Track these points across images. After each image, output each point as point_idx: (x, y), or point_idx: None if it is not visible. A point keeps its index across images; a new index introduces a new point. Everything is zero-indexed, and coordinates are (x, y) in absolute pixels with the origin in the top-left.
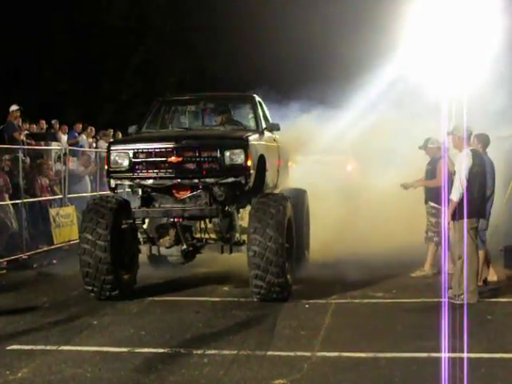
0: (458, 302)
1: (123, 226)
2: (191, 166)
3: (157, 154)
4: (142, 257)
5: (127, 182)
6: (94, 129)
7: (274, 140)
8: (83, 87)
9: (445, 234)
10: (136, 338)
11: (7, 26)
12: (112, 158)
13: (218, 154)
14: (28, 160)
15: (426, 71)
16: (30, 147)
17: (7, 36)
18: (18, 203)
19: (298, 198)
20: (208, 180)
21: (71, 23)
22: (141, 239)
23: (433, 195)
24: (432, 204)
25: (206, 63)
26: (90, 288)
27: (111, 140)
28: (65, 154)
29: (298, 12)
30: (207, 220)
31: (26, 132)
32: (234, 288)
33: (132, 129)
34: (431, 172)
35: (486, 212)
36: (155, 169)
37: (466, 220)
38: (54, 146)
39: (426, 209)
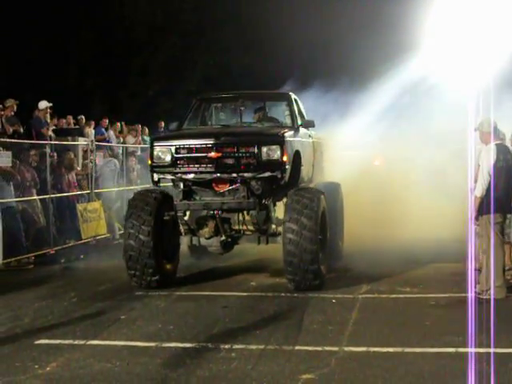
0: (485, 297)
1: (165, 218)
2: (230, 161)
3: (197, 150)
4: (183, 249)
5: (169, 176)
6: (122, 124)
7: (309, 136)
8: (109, 84)
9: (471, 229)
10: (164, 333)
11: (33, 22)
12: (155, 153)
13: (256, 150)
14: (55, 155)
15: (449, 67)
16: (57, 142)
17: (33, 33)
18: (45, 198)
19: (333, 191)
20: (246, 174)
21: (96, 19)
22: (182, 230)
23: None
24: None
25: (233, 58)
26: (133, 272)
27: (155, 136)
28: (91, 150)
29: (323, 8)
30: (245, 212)
31: (54, 127)
32: (261, 282)
33: (173, 125)
34: None
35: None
36: (196, 164)
37: (492, 216)
38: (81, 141)
39: None
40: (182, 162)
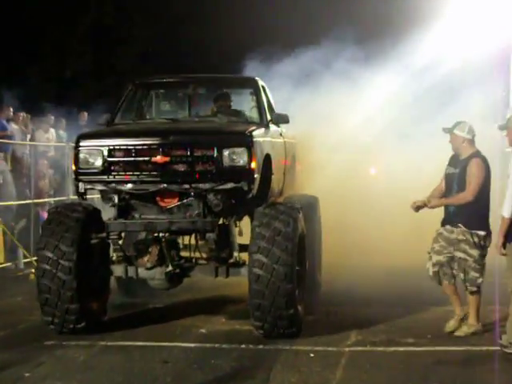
0: None
1: (93, 242)
2: (181, 167)
3: (138, 153)
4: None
5: (100, 187)
6: (28, 116)
7: (281, 135)
8: (13, 60)
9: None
10: None
11: None
12: (82, 156)
13: (215, 154)
14: None
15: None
16: None
17: None
18: None
19: (309, 207)
20: (201, 185)
21: None
22: (114, 258)
23: (470, 216)
24: (472, 231)
25: (181, 30)
26: (50, 319)
27: (81, 133)
28: None
29: None
30: (198, 235)
31: None
32: (214, 329)
33: (103, 119)
34: (459, 178)
35: None
36: (135, 170)
37: None
38: None
39: (449, 236)
40: (116, 167)
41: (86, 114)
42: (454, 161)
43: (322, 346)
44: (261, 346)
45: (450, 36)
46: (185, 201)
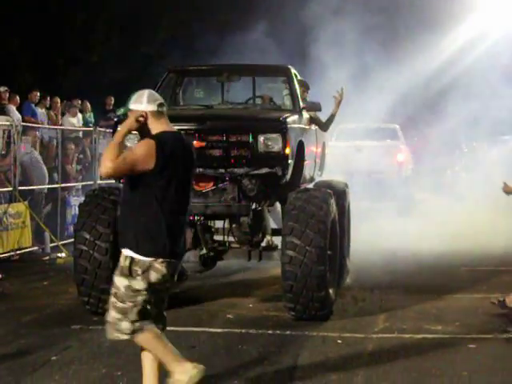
0: None
1: None
2: (216, 152)
3: None
4: None
5: None
6: (58, 100)
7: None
8: (40, 45)
9: None
10: (109, 381)
11: None
12: None
13: (250, 139)
14: None
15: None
16: None
17: None
18: None
19: (339, 193)
20: (237, 170)
21: None
22: None
23: None
24: None
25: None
26: (86, 299)
27: (119, 118)
28: (17, 133)
29: None
30: (232, 219)
31: None
32: (241, 315)
33: None
34: None
35: None
36: None
37: None
38: (2, 121)
39: None
40: None
41: (112, 98)
42: None
43: (350, 332)
44: (288, 332)
45: None
46: (220, 185)
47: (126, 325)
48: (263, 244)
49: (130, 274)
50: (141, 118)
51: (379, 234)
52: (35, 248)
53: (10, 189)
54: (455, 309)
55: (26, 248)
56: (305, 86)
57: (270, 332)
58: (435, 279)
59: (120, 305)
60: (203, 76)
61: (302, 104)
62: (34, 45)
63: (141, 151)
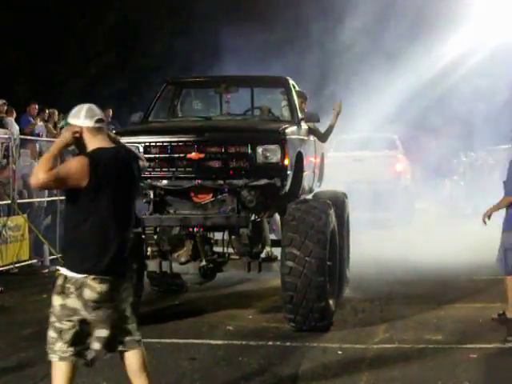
0: None
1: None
2: (215, 164)
3: (173, 149)
4: None
5: None
6: (56, 112)
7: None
8: (38, 56)
9: None
10: None
11: None
12: None
13: (249, 151)
14: None
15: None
16: None
17: None
18: None
19: (338, 203)
20: (235, 182)
21: None
22: (149, 253)
23: None
24: None
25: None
26: None
27: (117, 130)
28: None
29: None
30: (231, 231)
31: None
32: (241, 327)
33: (136, 117)
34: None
35: None
36: (171, 167)
37: None
38: (0, 134)
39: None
40: (152, 164)
41: (110, 110)
42: None
43: (350, 343)
44: (288, 343)
45: None
46: (219, 197)
47: (59, 346)
48: (263, 255)
49: (62, 291)
50: (76, 134)
51: (379, 244)
52: (34, 261)
53: (9, 202)
54: (455, 318)
55: (25, 261)
56: (303, 97)
57: (270, 343)
58: (435, 289)
59: (57, 324)
60: (201, 87)
61: (300, 115)
62: (33, 57)
63: (73, 168)
